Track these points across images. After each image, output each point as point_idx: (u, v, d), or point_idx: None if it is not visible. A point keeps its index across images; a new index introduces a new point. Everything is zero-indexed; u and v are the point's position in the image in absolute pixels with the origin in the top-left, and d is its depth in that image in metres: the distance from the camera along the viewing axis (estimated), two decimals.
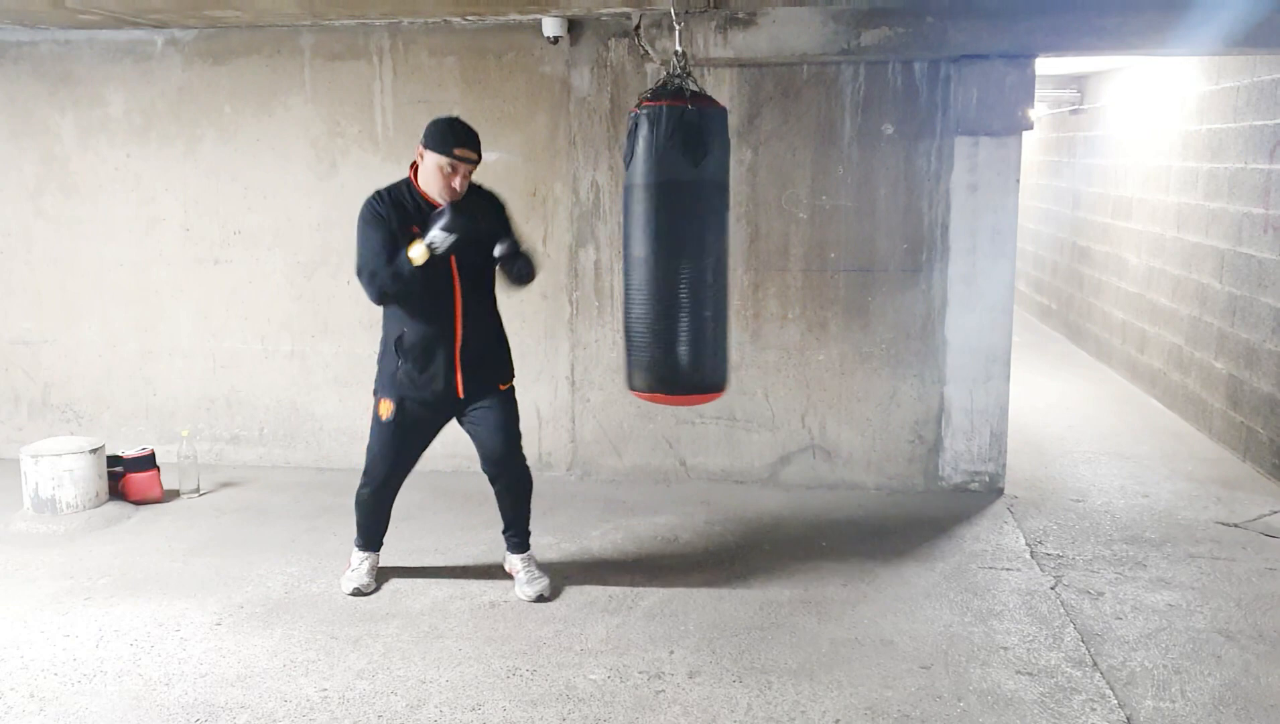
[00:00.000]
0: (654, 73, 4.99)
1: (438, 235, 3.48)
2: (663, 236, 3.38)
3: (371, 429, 3.85)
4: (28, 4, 4.56)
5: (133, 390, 5.61)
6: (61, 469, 4.66)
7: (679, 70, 3.41)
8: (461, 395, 3.75)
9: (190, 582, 4.06)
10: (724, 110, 3.50)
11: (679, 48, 3.47)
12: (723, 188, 3.50)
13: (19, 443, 5.48)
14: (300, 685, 3.28)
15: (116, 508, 4.82)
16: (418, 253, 3.50)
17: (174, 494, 5.09)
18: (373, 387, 3.84)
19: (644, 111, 3.37)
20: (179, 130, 5.37)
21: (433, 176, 3.59)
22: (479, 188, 3.77)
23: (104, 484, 4.84)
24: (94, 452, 4.77)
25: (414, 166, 3.67)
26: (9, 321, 5.66)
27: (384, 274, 3.56)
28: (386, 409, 3.76)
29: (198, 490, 5.11)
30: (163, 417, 5.60)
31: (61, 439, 4.95)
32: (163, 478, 5.08)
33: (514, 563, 4.03)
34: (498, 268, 3.73)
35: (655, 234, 3.38)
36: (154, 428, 5.60)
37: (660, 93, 3.39)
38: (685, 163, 3.32)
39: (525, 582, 3.92)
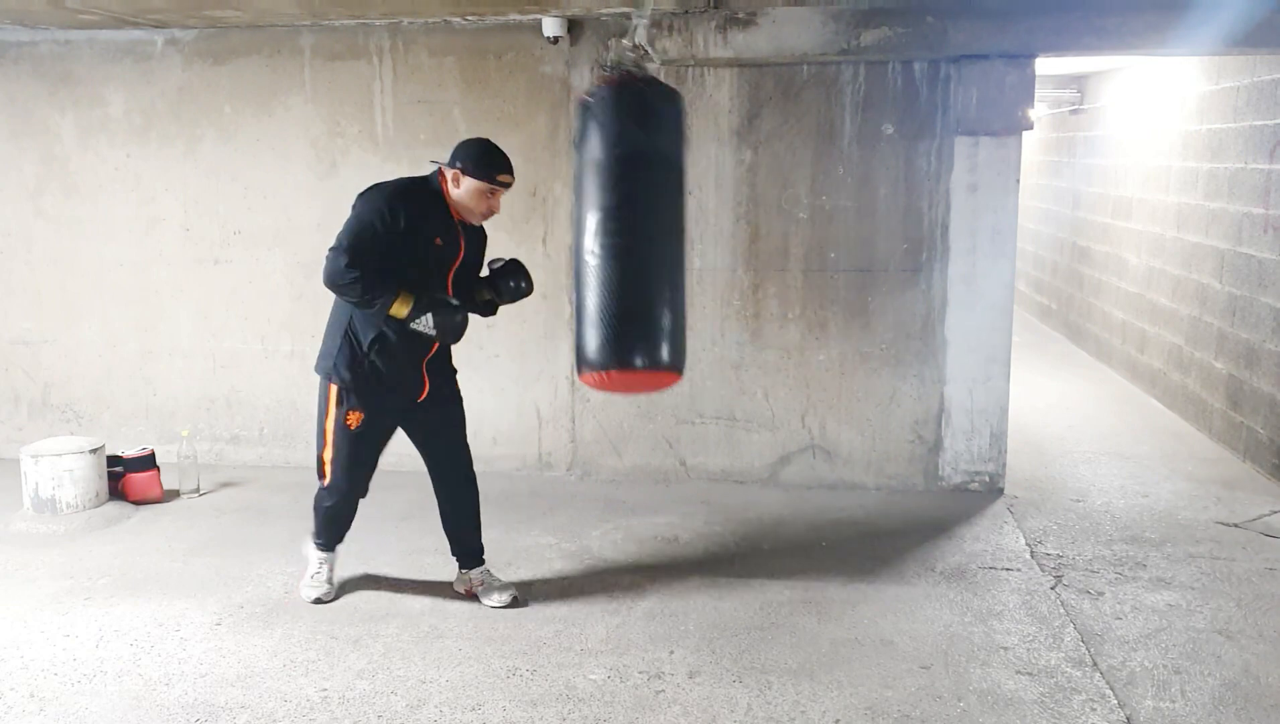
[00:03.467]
0: (653, 73, 4.98)
1: (428, 324, 3.48)
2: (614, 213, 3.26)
3: (335, 439, 3.65)
4: (28, 4, 4.56)
5: (133, 390, 5.61)
6: (61, 469, 4.66)
7: (633, 61, 3.38)
8: (424, 397, 3.70)
9: (190, 582, 4.06)
10: (672, 91, 3.44)
11: (635, 41, 3.44)
12: (672, 163, 3.40)
13: (19, 443, 5.48)
14: (300, 685, 3.28)
15: (116, 508, 4.82)
16: (401, 312, 3.46)
17: (174, 494, 5.09)
18: (329, 381, 3.63)
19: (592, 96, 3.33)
20: (179, 130, 5.37)
21: (471, 199, 3.56)
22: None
23: (104, 484, 4.84)
24: (94, 452, 4.77)
25: (442, 176, 3.59)
26: (9, 321, 5.66)
27: (358, 288, 3.42)
28: (356, 419, 3.62)
29: (198, 490, 5.11)
30: (163, 417, 5.60)
31: (61, 439, 4.95)
32: (163, 478, 5.08)
33: (472, 578, 3.90)
34: (483, 283, 3.74)
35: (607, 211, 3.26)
36: (154, 428, 5.60)
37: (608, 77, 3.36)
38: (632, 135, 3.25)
39: (497, 589, 3.85)
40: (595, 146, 3.26)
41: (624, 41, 3.48)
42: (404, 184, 3.62)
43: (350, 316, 3.58)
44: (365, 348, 3.56)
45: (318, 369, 3.68)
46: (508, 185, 3.60)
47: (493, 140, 3.65)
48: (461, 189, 3.55)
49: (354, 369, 3.58)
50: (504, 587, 3.87)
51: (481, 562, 3.93)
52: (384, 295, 3.44)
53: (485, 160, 3.55)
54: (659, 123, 3.33)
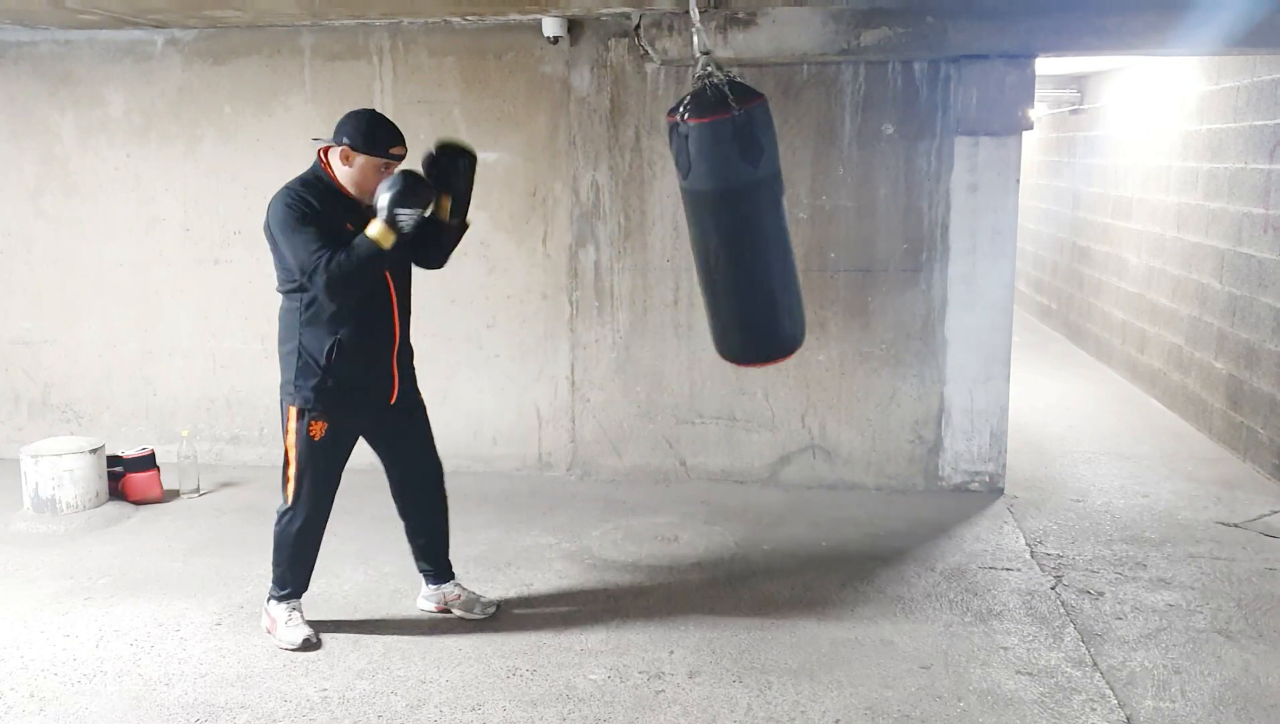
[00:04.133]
0: (654, 73, 4.99)
1: (403, 213, 3.18)
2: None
3: (298, 455, 3.42)
4: (28, 4, 4.56)
5: (133, 390, 5.61)
6: (61, 469, 4.66)
7: (709, 74, 3.22)
8: (393, 401, 3.50)
9: (190, 582, 4.06)
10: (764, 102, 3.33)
11: (704, 48, 3.27)
12: (776, 178, 3.44)
13: (19, 443, 5.48)
14: (300, 685, 3.28)
15: (116, 508, 4.82)
16: (378, 232, 3.18)
17: (174, 494, 5.09)
18: (289, 403, 3.41)
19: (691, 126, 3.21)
20: (179, 130, 5.37)
21: (364, 176, 3.31)
22: None
23: (104, 484, 4.84)
24: (94, 452, 4.77)
25: (324, 163, 3.37)
26: (9, 321, 5.66)
27: (346, 262, 3.17)
28: (319, 429, 3.39)
29: (198, 490, 5.11)
30: (163, 417, 5.60)
31: (61, 439, 4.95)
32: (163, 478, 5.08)
33: (447, 592, 3.76)
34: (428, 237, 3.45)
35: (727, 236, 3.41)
36: (154, 428, 5.60)
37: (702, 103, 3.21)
38: (743, 165, 3.22)
39: (474, 599, 3.76)
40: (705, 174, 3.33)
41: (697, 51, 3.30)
42: (295, 184, 3.35)
43: (298, 336, 3.36)
44: (323, 359, 3.34)
45: (280, 403, 3.47)
46: (401, 158, 3.36)
47: (379, 112, 3.44)
48: (353, 167, 3.30)
49: (316, 386, 3.36)
50: (481, 597, 3.78)
51: (453, 574, 3.80)
52: (363, 245, 3.18)
53: (375, 133, 3.30)
54: (763, 143, 3.34)
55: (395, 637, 3.60)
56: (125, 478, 4.96)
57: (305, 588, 3.62)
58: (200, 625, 3.68)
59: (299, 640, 3.49)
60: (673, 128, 3.28)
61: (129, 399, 5.62)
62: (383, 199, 3.22)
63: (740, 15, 4.59)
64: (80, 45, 5.36)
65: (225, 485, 5.24)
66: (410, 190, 3.23)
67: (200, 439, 5.50)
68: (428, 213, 3.33)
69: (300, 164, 5.22)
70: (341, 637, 3.60)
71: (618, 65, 5.03)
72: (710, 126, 3.19)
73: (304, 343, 3.36)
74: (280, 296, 3.45)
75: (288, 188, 3.34)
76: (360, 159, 3.30)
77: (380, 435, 3.60)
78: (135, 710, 3.13)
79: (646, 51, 4.81)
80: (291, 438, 3.43)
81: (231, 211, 5.39)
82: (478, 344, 5.30)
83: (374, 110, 3.43)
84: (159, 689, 3.25)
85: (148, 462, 5.01)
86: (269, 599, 3.60)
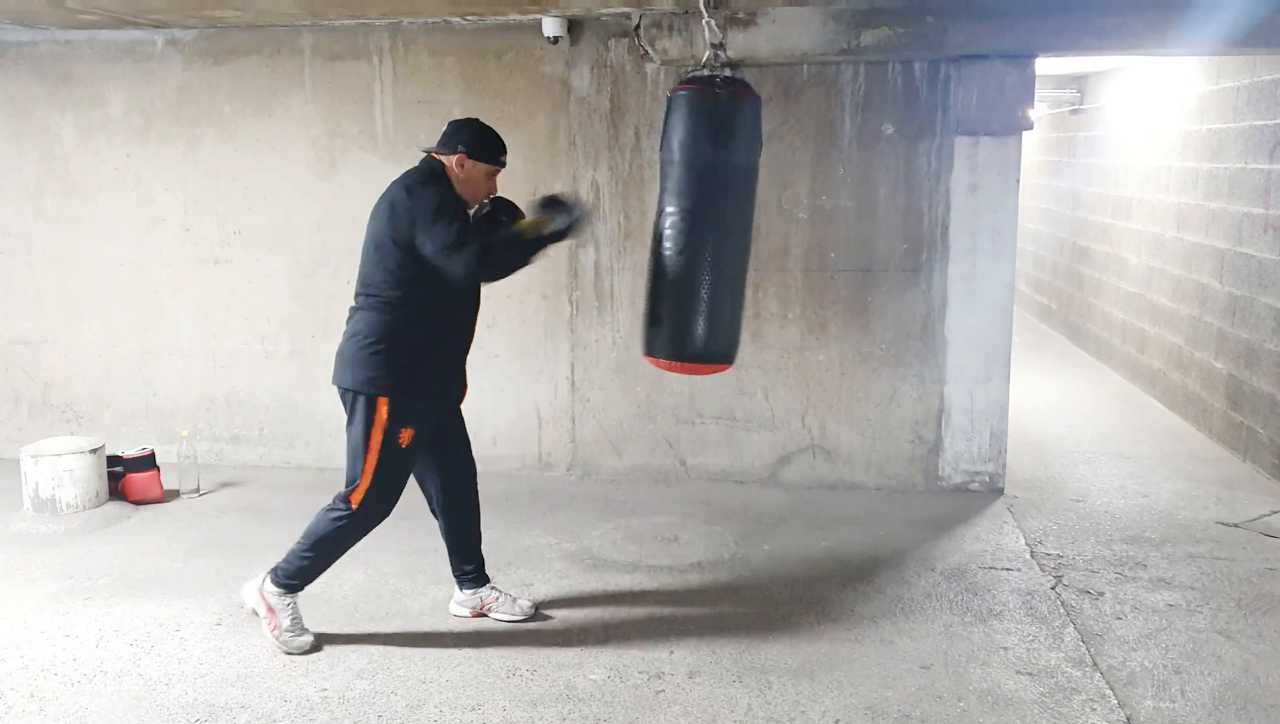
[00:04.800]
0: (654, 73, 4.99)
1: (560, 220, 3.33)
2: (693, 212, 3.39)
3: (381, 460, 3.35)
4: (28, 4, 4.56)
5: (133, 390, 5.61)
6: (61, 469, 4.66)
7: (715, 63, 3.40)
8: (462, 401, 3.62)
9: (190, 582, 4.06)
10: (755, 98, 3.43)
11: (714, 40, 3.43)
12: (750, 172, 3.48)
13: (19, 443, 5.48)
14: (300, 685, 3.28)
15: (116, 508, 4.82)
16: (528, 225, 3.34)
17: (174, 494, 5.09)
18: (378, 394, 3.33)
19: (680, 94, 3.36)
20: (179, 130, 5.37)
21: (478, 182, 3.44)
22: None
23: (104, 484, 4.84)
24: (94, 452, 4.77)
25: (446, 166, 3.42)
26: (9, 321, 5.66)
27: (498, 247, 3.27)
28: (408, 435, 3.36)
29: (198, 490, 5.11)
30: (163, 417, 5.60)
31: (61, 439, 4.95)
32: (163, 478, 5.08)
33: (484, 596, 3.74)
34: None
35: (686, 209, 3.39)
36: (154, 428, 5.60)
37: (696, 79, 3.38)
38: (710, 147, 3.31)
39: (513, 601, 3.74)
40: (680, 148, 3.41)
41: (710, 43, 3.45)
42: (426, 172, 3.41)
43: (394, 319, 3.34)
44: (416, 352, 3.35)
45: (350, 383, 3.37)
46: (505, 165, 3.52)
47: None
48: (466, 173, 3.41)
49: (408, 379, 3.34)
50: (517, 597, 3.78)
51: (489, 577, 3.79)
52: (516, 236, 3.32)
53: (490, 143, 3.45)
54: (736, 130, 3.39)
55: (395, 636, 3.60)
56: (125, 478, 4.96)
57: (309, 585, 3.54)
58: (200, 625, 3.68)
59: (302, 648, 3.45)
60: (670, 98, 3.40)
61: (129, 399, 5.62)
62: (540, 205, 3.40)
63: (740, 15, 4.59)
64: (80, 45, 5.36)
65: (225, 485, 5.24)
66: (557, 201, 3.41)
67: (200, 439, 5.50)
68: (566, 226, 3.41)
69: (300, 164, 5.30)
70: (341, 636, 3.60)
71: (618, 65, 5.03)
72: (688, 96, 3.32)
73: (400, 326, 3.33)
74: (378, 281, 3.36)
75: (426, 179, 3.36)
76: (473, 165, 3.41)
77: (439, 436, 3.57)
78: (135, 710, 3.13)
79: (646, 51, 4.81)
80: (376, 441, 3.33)
81: (231, 211, 5.39)
82: (478, 344, 5.21)
83: (481, 120, 3.51)
84: (159, 689, 3.25)
85: (148, 462, 5.01)
86: (267, 581, 3.48)
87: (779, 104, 4.95)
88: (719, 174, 3.35)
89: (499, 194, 3.56)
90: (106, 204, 5.48)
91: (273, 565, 3.52)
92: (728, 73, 3.39)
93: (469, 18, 4.83)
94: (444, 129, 3.46)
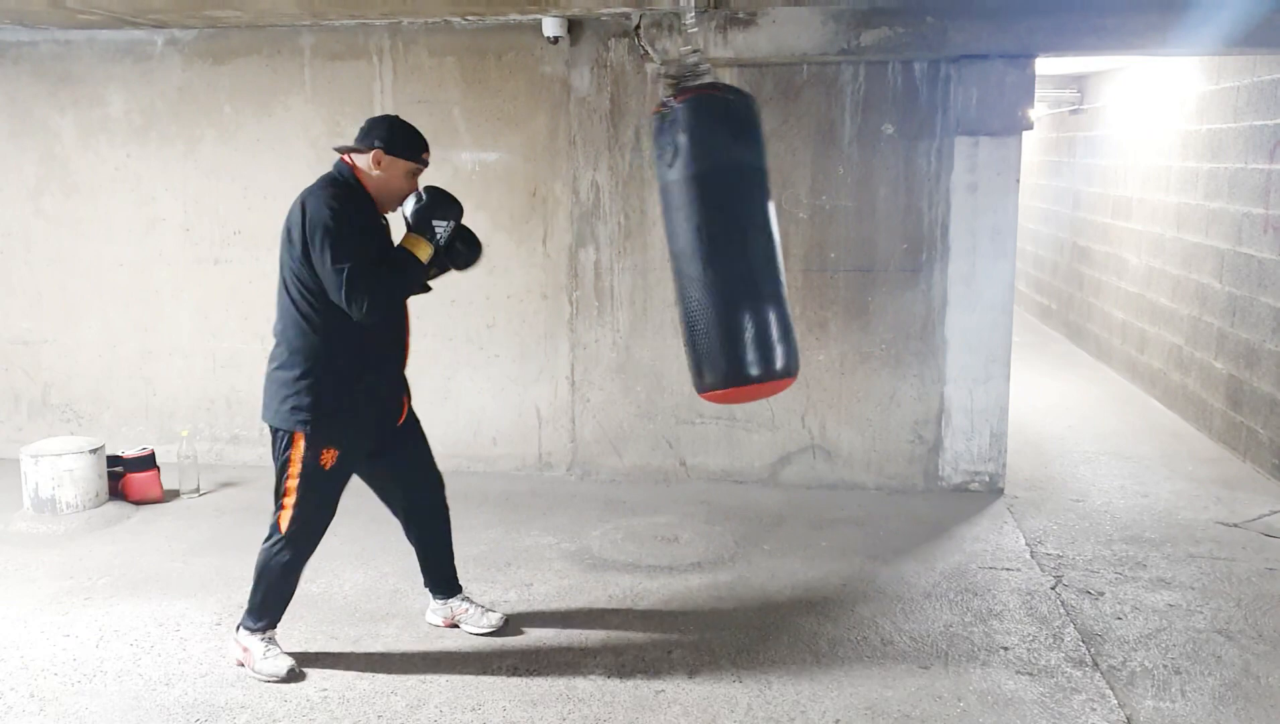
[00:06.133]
0: (654, 73, 4.99)
1: (439, 224, 3.16)
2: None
3: (302, 485, 3.21)
4: (28, 4, 4.56)
5: (133, 390, 5.61)
6: (61, 469, 4.66)
7: (690, 68, 3.24)
8: (402, 421, 3.43)
9: (190, 582, 4.06)
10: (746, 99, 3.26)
11: (687, 46, 3.32)
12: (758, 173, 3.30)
13: (19, 443, 5.48)
14: (300, 685, 3.27)
15: (116, 508, 4.82)
16: (413, 243, 3.16)
17: (174, 494, 5.09)
18: (294, 431, 3.19)
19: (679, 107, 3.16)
20: (179, 130, 5.37)
21: (397, 182, 3.24)
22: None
23: (104, 484, 4.84)
24: (94, 452, 4.77)
25: (354, 167, 3.24)
26: (9, 321, 5.66)
27: (393, 281, 3.13)
28: (330, 457, 3.21)
29: (198, 490, 5.11)
30: (163, 417, 5.60)
31: (61, 439, 4.95)
32: (163, 478, 5.08)
33: (454, 607, 3.65)
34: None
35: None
36: (154, 428, 5.60)
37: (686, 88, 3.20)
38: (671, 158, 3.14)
39: (482, 612, 3.65)
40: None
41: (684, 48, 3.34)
42: (326, 188, 3.20)
43: (309, 356, 3.17)
44: (341, 381, 3.19)
45: (269, 419, 3.24)
46: (428, 163, 3.31)
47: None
48: (385, 171, 3.21)
49: (331, 411, 3.19)
50: (487, 609, 3.68)
51: (460, 588, 3.71)
52: (408, 261, 3.16)
53: (411, 138, 3.25)
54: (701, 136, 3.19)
55: (395, 637, 3.60)
56: (125, 478, 4.96)
57: (280, 619, 3.41)
58: (200, 625, 3.68)
59: (283, 671, 3.29)
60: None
61: (129, 399, 5.62)
62: (416, 211, 3.22)
63: (740, 15, 4.60)
64: (80, 45, 5.36)
65: (225, 485, 5.24)
66: (443, 202, 3.25)
67: (200, 439, 5.50)
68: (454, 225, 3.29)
69: (300, 164, 5.30)
70: (342, 636, 3.60)
71: (618, 65, 5.03)
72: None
73: (317, 363, 3.17)
74: (288, 308, 3.20)
75: (322, 191, 3.17)
76: (391, 162, 3.22)
77: (385, 455, 3.44)
78: (135, 710, 3.13)
79: (646, 51, 4.81)
80: (295, 468, 3.21)
81: (231, 211, 5.39)
82: (478, 344, 5.30)
83: (400, 117, 3.35)
84: (159, 689, 3.25)
85: (148, 462, 5.01)
86: (240, 629, 3.38)
87: (779, 104, 4.95)
88: (727, 178, 3.19)
89: (433, 185, 3.35)
90: (106, 204, 5.48)
91: (237, 620, 3.45)
92: (708, 79, 3.21)
93: (469, 18, 4.83)
94: (361, 125, 3.28)
